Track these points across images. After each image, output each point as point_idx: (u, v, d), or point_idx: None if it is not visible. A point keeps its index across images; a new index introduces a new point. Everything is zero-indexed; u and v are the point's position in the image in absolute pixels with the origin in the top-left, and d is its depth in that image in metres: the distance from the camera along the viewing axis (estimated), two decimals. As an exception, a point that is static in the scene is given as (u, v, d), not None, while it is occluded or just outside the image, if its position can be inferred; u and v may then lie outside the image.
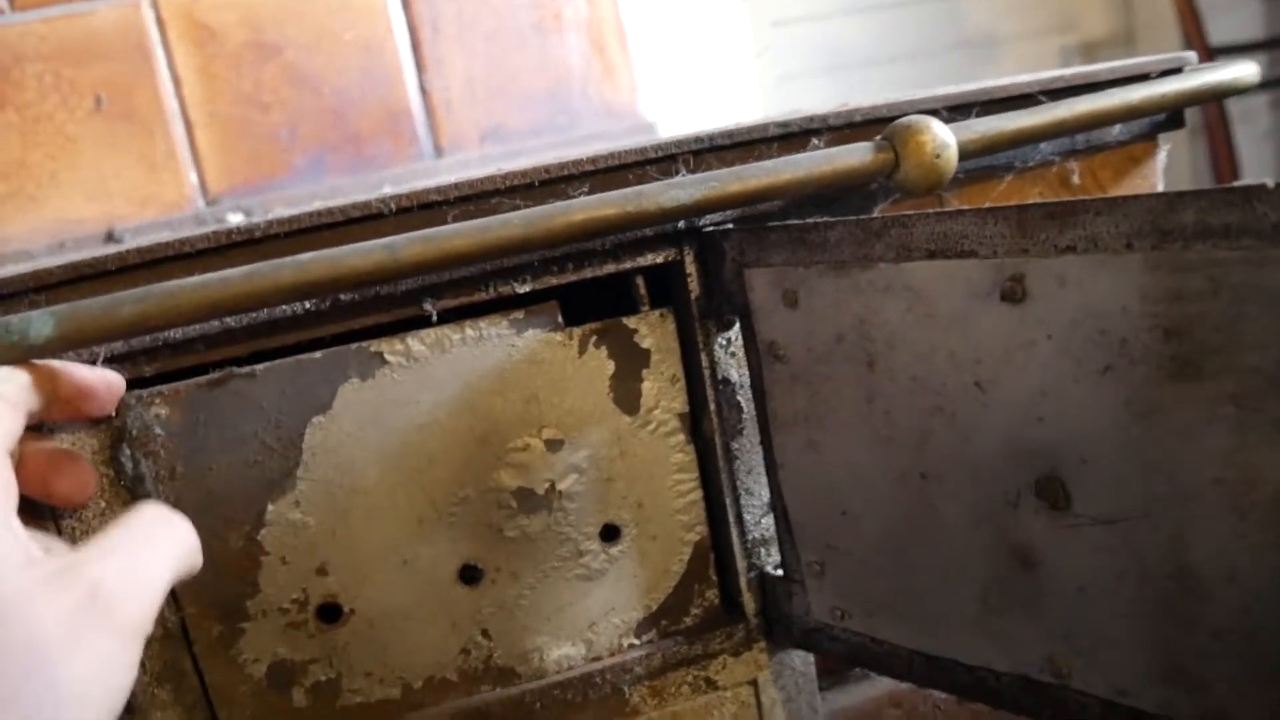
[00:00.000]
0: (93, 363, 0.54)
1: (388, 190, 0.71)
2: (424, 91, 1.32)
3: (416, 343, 0.59)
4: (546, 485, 0.62)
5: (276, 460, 0.58)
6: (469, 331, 0.60)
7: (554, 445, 0.62)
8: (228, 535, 0.58)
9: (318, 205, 0.64)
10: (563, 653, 0.65)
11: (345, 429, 0.58)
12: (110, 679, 0.37)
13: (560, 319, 0.62)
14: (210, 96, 1.25)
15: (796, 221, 0.58)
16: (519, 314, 0.61)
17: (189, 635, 0.59)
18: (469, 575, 0.62)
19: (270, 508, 0.58)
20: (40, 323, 0.49)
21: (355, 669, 0.61)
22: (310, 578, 0.59)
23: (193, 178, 1.23)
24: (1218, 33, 1.98)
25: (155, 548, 0.44)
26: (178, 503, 0.54)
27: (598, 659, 0.65)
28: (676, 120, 1.42)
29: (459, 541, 0.61)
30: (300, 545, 0.59)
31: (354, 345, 0.58)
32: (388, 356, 0.59)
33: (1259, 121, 2.00)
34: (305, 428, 0.58)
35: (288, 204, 1.21)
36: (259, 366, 0.57)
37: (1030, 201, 0.49)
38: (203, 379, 0.57)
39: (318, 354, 0.58)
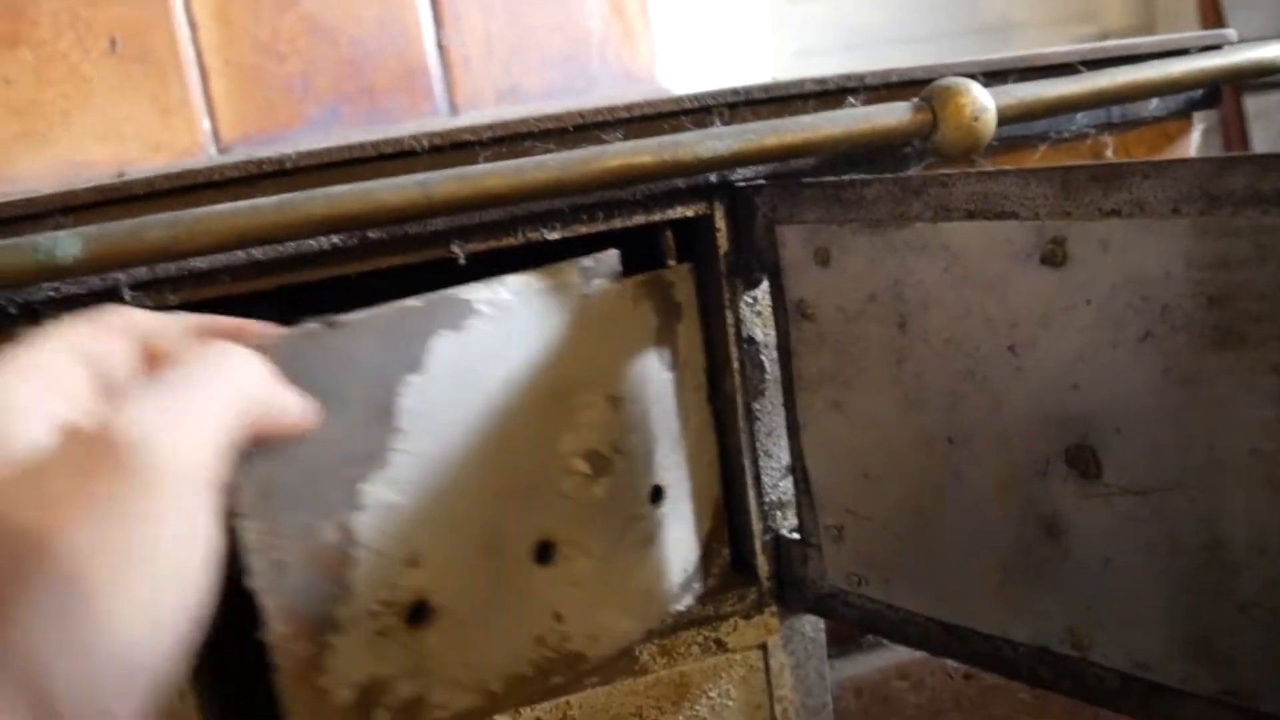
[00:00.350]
0: (117, 288, 0.53)
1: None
2: (441, 48, 1.31)
3: (505, 290, 0.52)
4: (611, 446, 0.57)
5: (371, 429, 0.48)
6: (547, 280, 0.54)
7: (616, 403, 0.57)
8: (320, 525, 0.47)
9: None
10: (626, 626, 0.60)
11: (439, 390, 0.50)
12: (163, 541, 0.29)
13: (620, 268, 0.58)
14: (226, 43, 1.23)
15: (832, 178, 0.57)
16: (589, 261, 0.56)
17: (272, 664, 0.46)
18: (543, 553, 0.55)
19: (364, 488, 0.48)
20: (68, 243, 0.49)
21: (443, 678, 0.52)
22: (401, 571, 0.49)
23: (205, 125, 1.22)
24: (1237, 26, 1.96)
25: (199, 382, 0.34)
26: (267, 487, 0.44)
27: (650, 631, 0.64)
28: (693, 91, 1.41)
29: (535, 515, 0.54)
30: (392, 532, 0.49)
31: (444, 293, 0.51)
32: (477, 305, 0.51)
33: (1276, 119, 1.99)
34: (400, 389, 0.49)
35: (301, 155, 1.20)
36: (354, 316, 0.47)
37: (1074, 164, 0.48)
38: (293, 332, 0.45)
39: (417, 302, 0.49)
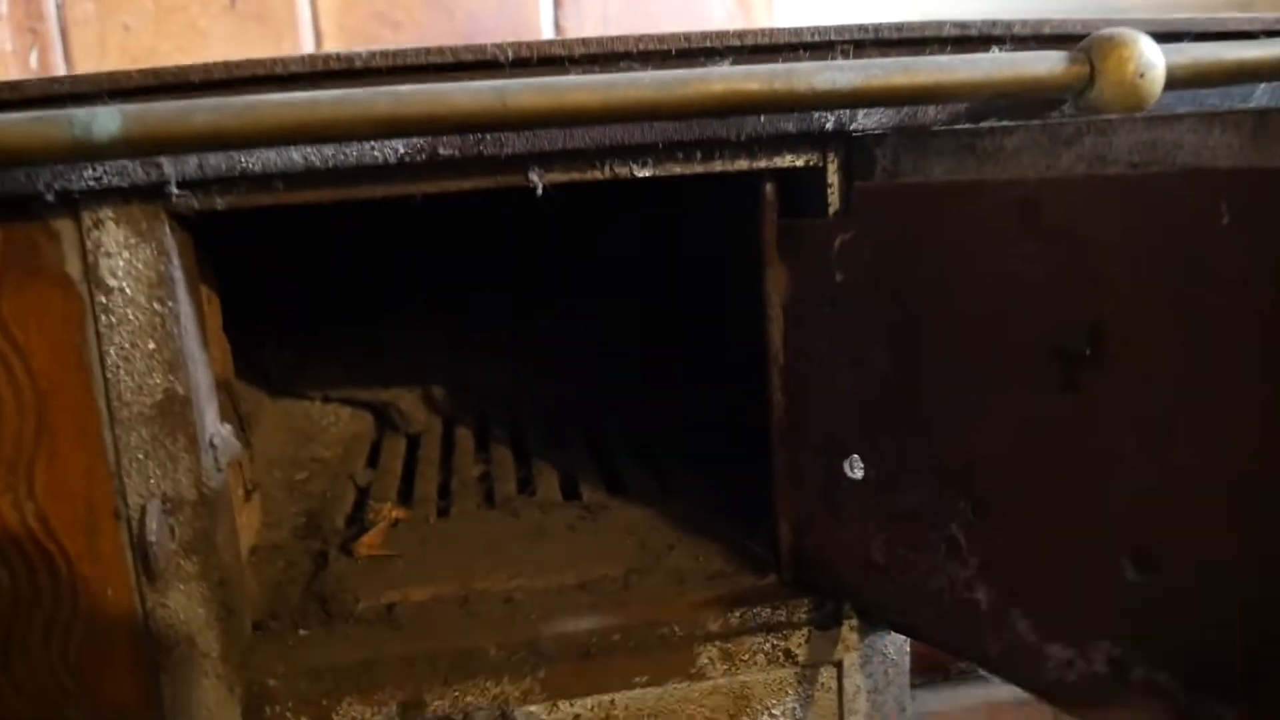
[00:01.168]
0: (163, 184, 0.49)
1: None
2: (558, 27, 1.27)
3: None
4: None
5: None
6: None
7: None
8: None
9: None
10: None
11: None
12: None
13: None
14: (344, 9, 1.21)
15: (967, 125, 0.49)
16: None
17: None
18: None
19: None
20: (106, 119, 0.44)
21: None
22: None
23: (313, 86, 1.19)
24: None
25: None
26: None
27: (668, 614, 0.58)
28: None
29: None
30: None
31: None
32: None
33: None
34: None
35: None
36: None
37: (1270, 106, 0.40)
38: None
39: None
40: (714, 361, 0.96)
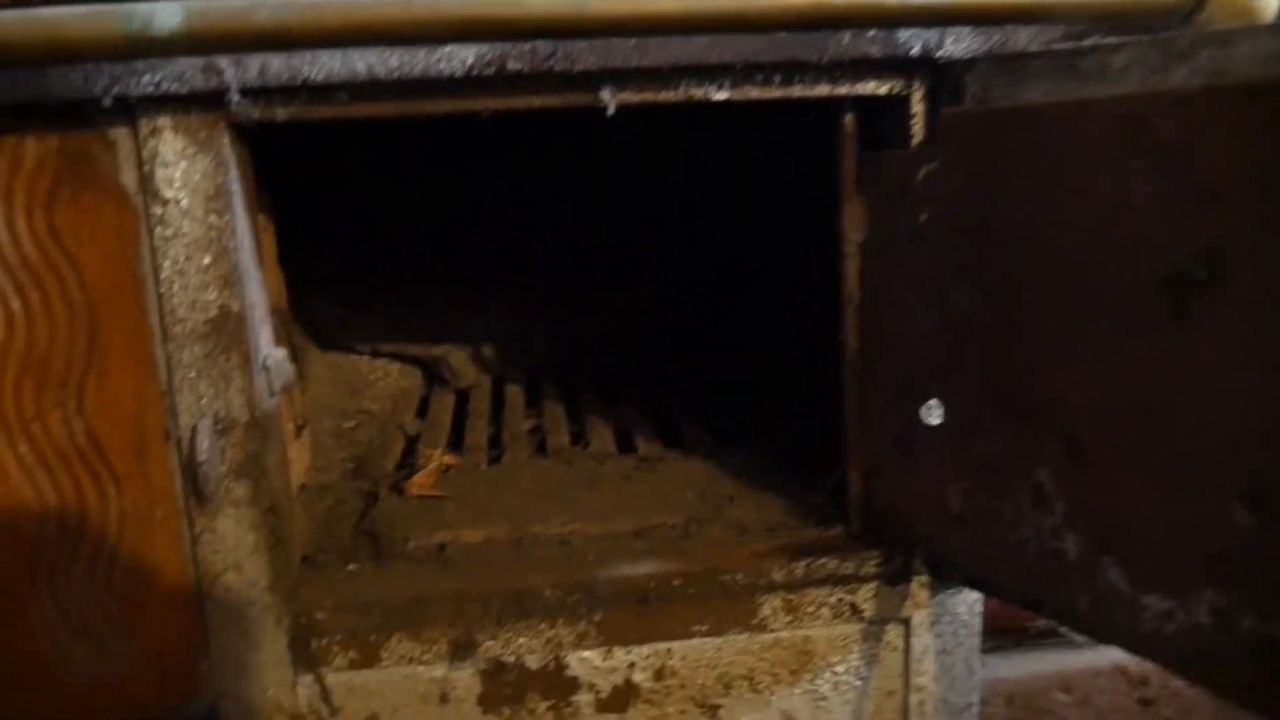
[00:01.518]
0: (223, 91, 0.47)
1: None
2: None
3: None
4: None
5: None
6: None
7: None
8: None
9: None
10: None
11: None
12: None
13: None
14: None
15: (1067, 44, 0.46)
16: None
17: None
18: None
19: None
20: (168, 14, 0.42)
21: None
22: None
23: None
24: None
25: None
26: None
27: (730, 562, 0.55)
28: None
29: None
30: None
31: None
32: None
33: None
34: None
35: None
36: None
37: None
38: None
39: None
40: (777, 321, 0.94)
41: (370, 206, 0.94)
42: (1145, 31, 0.51)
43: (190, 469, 0.51)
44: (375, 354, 0.99)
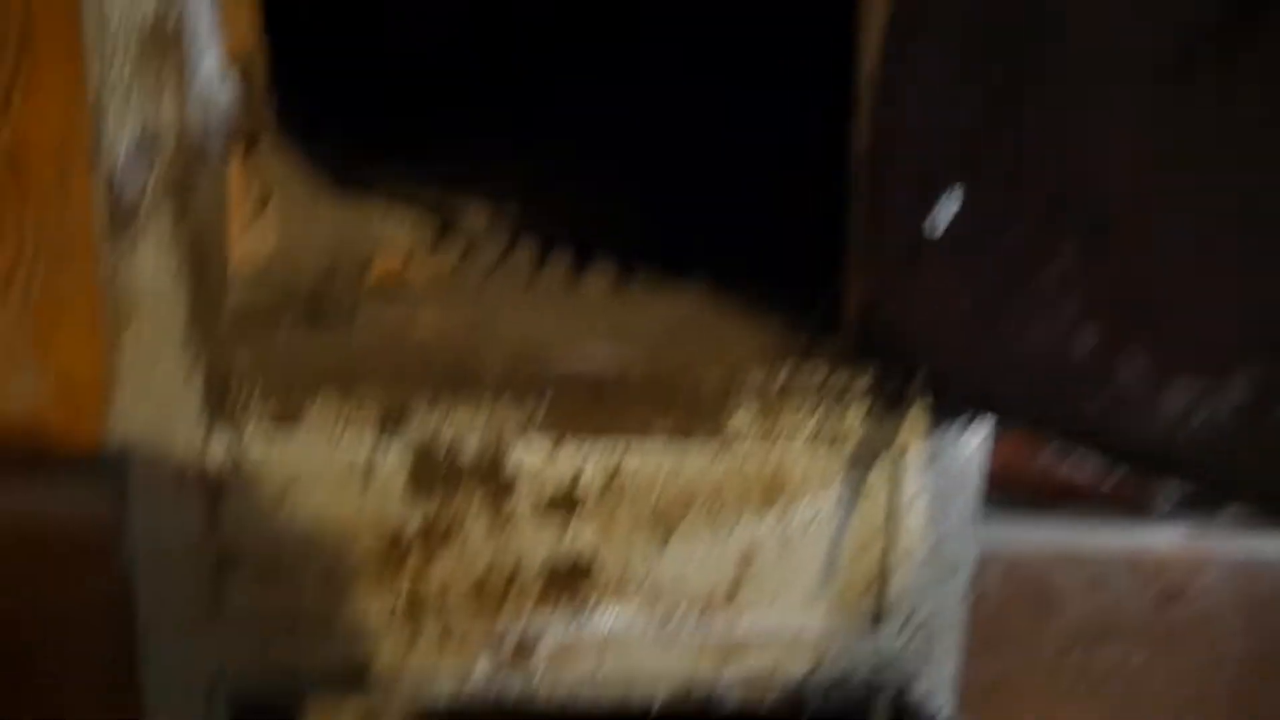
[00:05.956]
0: None
1: None
2: None
3: None
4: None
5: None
6: None
7: None
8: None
9: None
10: None
11: None
12: None
13: None
14: None
15: None
16: None
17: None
18: None
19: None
20: None
21: None
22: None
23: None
24: None
25: None
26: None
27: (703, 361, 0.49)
28: None
29: None
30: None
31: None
32: None
33: None
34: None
35: None
36: None
37: None
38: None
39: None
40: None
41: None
42: None
43: (113, 185, 0.46)
44: (391, 195, 0.95)
